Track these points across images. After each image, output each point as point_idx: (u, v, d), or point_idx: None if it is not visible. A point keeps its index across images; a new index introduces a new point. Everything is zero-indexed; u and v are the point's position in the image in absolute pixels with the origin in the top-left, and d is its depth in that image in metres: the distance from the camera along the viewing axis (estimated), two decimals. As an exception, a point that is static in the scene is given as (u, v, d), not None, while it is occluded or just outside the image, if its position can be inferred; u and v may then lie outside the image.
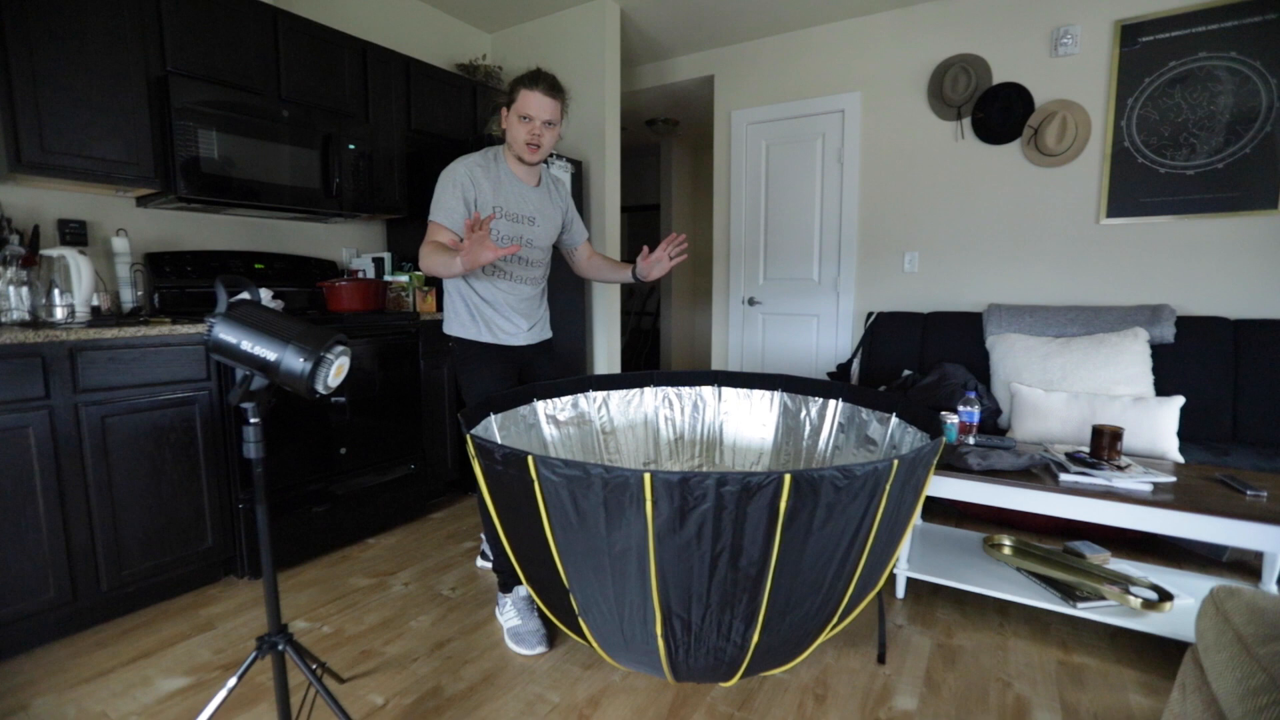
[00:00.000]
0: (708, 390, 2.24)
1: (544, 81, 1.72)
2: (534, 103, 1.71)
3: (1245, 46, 2.63)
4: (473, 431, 1.37)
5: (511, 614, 1.81)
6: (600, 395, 2.15)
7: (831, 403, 2.01)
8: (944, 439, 1.39)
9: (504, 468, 1.26)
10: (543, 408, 2.01)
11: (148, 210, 2.38)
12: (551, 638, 1.79)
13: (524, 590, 1.85)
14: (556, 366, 2.11)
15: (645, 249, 1.91)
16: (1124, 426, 2.20)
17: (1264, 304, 2.69)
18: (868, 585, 1.39)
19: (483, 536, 2.26)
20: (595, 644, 1.42)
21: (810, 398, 2.08)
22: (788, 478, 1.09)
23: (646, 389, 2.22)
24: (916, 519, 1.45)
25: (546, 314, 2.03)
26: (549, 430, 2.01)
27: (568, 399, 2.09)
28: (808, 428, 2.07)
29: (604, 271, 2.08)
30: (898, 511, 1.29)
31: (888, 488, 1.19)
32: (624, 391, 2.19)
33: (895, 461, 1.17)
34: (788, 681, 1.60)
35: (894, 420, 1.77)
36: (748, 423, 2.20)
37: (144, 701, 1.53)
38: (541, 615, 1.84)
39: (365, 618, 1.92)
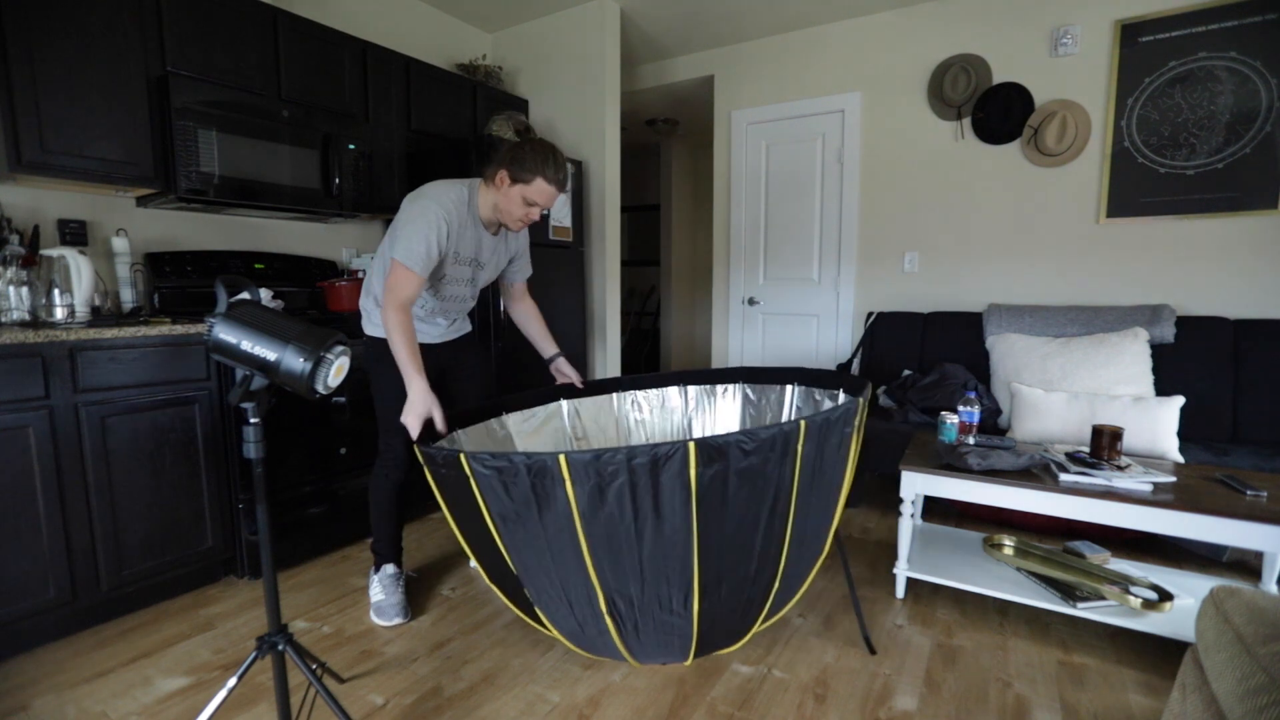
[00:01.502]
0: (673, 390, 2.28)
1: (565, 179, 1.74)
2: (549, 197, 1.73)
3: (1245, 46, 2.63)
4: (423, 446, 1.41)
5: (377, 589, 1.93)
6: (570, 403, 2.20)
7: (788, 388, 2.08)
8: (860, 400, 1.45)
9: (446, 470, 1.32)
10: (513, 420, 2.04)
11: (148, 210, 2.38)
12: (410, 610, 1.93)
13: (391, 569, 1.96)
14: (481, 361, 2.10)
15: (580, 384, 2.11)
16: (1124, 426, 2.20)
17: (1264, 304, 2.69)
18: (805, 549, 1.43)
19: None
20: (557, 634, 1.48)
21: (769, 386, 2.14)
22: (692, 445, 1.15)
23: (614, 394, 2.26)
24: (848, 480, 1.51)
25: (466, 314, 2.06)
26: (520, 442, 2.04)
27: (539, 409, 2.12)
28: (768, 415, 2.13)
29: (531, 324, 2.12)
30: (818, 473, 1.33)
31: (799, 448, 1.24)
32: (594, 398, 2.23)
33: (802, 422, 1.22)
34: (788, 681, 1.60)
35: (842, 396, 1.86)
36: (714, 418, 2.26)
37: (144, 701, 1.53)
38: (405, 590, 1.98)
39: (365, 618, 1.92)
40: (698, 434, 2.27)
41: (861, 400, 1.46)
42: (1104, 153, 2.93)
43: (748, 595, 1.39)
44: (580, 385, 2.12)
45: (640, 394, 2.27)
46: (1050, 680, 1.61)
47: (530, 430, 2.07)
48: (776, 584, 1.41)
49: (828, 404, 1.92)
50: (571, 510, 1.21)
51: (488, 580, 1.54)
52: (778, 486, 1.25)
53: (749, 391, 2.18)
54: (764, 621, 1.53)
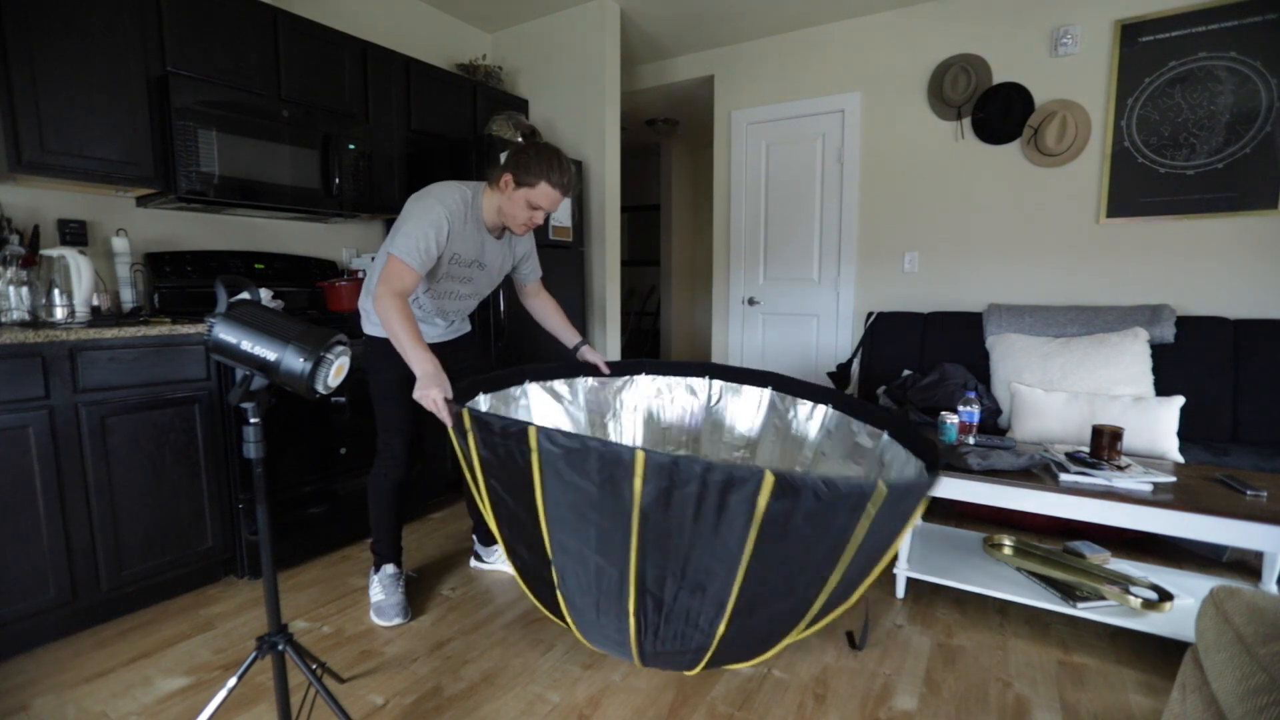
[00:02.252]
0: (699, 382, 2.25)
1: (571, 183, 1.73)
2: (553, 201, 1.72)
3: (1245, 46, 2.63)
4: (474, 410, 1.40)
5: (377, 589, 1.93)
6: (594, 381, 2.18)
7: (820, 408, 2.01)
8: (938, 476, 1.29)
9: (502, 439, 1.29)
10: (535, 389, 2.03)
11: (148, 210, 2.38)
12: (410, 610, 1.93)
13: (391, 569, 1.96)
14: (479, 361, 2.11)
15: (606, 370, 2.11)
16: (1124, 426, 2.20)
17: (1264, 304, 2.69)
18: (840, 598, 1.39)
19: (474, 537, 2.27)
20: (570, 619, 1.46)
21: (799, 400, 2.08)
22: (769, 476, 1.11)
23: (639, 377, 2.23)
24: (897, 548, 1.44)
25: (466, 315, 2.06)
26: (539, 411, 2.03)
27: (562, 382, 2.11)
28: (794, 428, 2.07)
29: (550, 318, 2.12)
30: (879, 534, 1.28)
31: (870, 509, 1.18)
32: (618, 379, 2.21)
33: (880, 484, 1.14)
34: (788, 681, 1.60)
35: (885, 437, 1.73)
36: (735, 419, 2.22)
37: (144, 701, 1.53)
38: (405, 590, 1.97)
39: (365, 618, 1.92)
40: (713, 427, 2.24)
41: (939, 475, 1.31)
42: (1104, 153, 2.93)
43: (772, 628, 1.36)
44: (606, 371, 2.12)
45: (663, 380, 2.25)
46: (1050, 680, 1.61)
47: (551, 398, 2.07)
48: (803, 623, 1.39)
49: (864, 438, 1.80)
50: (633, 505, 1.19)
51: (505, 555, 1.53)
52: (837, 537, 1.21)
53: (776, 399, 2.12)
54: (774, 651, 1.51)
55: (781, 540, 1.19)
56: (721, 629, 1.30)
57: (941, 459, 1.93)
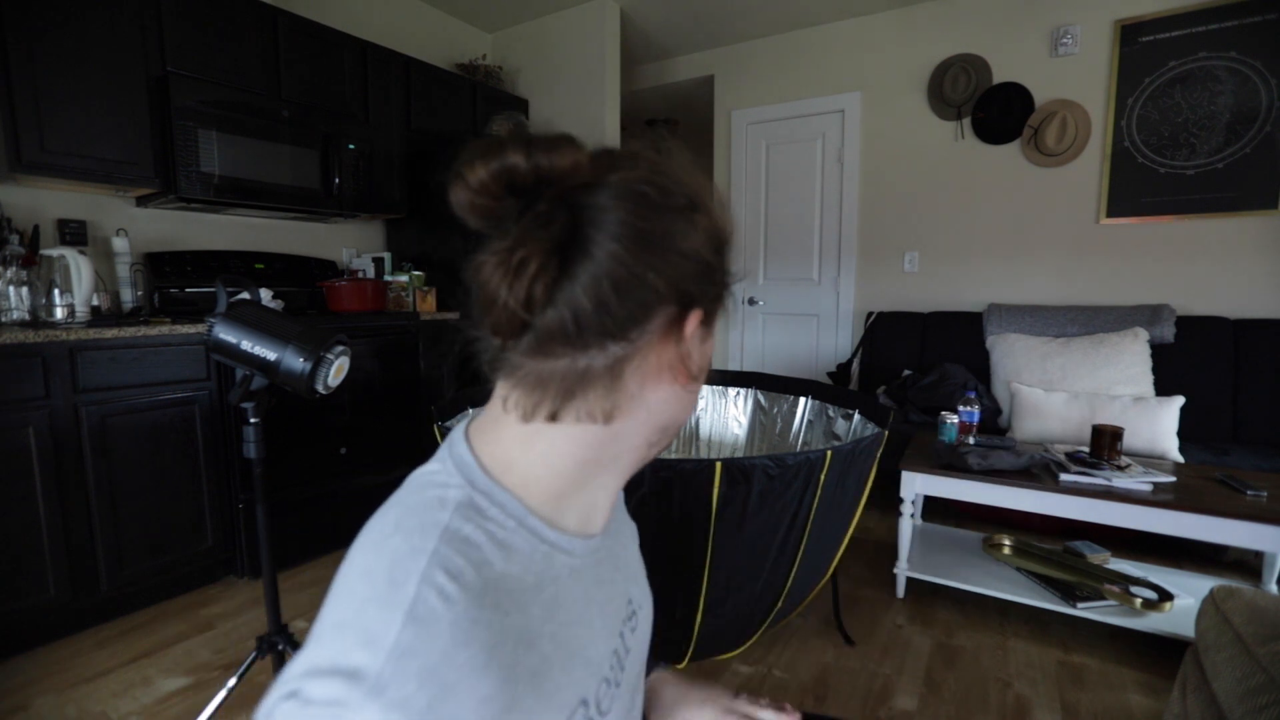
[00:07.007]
0: None
1: None
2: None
3: (1245, 46, 2.63)
4: (446, 424, 1.42)
5: None
6: None
7: (801, 400, 2.09)
8: (884, 433, 1.46)
9: None
10: None
11: (148, 210, 2.37)
12: None
13: None
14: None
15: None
16: (1124, 426, 2.20)
17: (1264, 304, 2.68)
18: (812, 572, 1.43)
19: None
20: None
21: (782, 396, 2.15)
22: (718, 465, 1.14)
23: None
24: (860, 509, 1.53)
25: None
26: None
27: None
28: (779, 424, 2.14)
29: None
30: (836, 501, 1.33)
31: (822, 477, 1.24)
32: None
33: (829, 452, 1.21)
34: (788, 681, 1.60)
35: (856, 416, 1.87)
36: (723, 419, 2.27)
37: (144, 701, 1.53)
38: None
39: (365, 618, 1.92)
40: (705, 434, 2.27)
41: (886, 432, 1.46)
42: (1104, 153, 2.92)
43: (749, 611, 1.38)
44: None
45: None
46: (1050, 680, 1.61)
47: None
48: (780, 603, 1.41)
49: (840, 421, 1.91)
50: None
51: None
52: (795, 512, 1.24)
53: (761, 398, 2.18)
54: (758, 635, 1.53)
55: (742, 525, 1.22)
56: (699, 620, 1.32)
57: (942, 459, 1.94)
